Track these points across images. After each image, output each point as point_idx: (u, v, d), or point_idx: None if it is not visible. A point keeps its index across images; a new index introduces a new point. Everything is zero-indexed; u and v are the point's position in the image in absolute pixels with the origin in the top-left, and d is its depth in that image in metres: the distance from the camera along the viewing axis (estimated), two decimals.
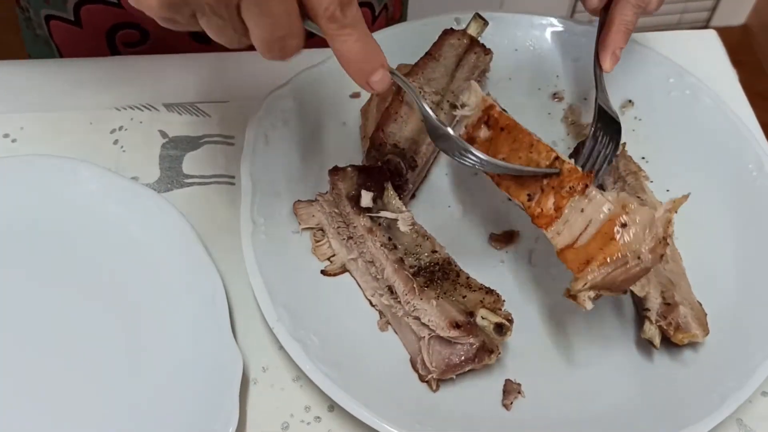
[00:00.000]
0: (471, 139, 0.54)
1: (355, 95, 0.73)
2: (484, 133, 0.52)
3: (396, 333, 0.59)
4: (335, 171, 0.62)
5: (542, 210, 0.47)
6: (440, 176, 0.69)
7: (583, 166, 0.59)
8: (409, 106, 0.65)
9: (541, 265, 0.63)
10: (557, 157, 0.50)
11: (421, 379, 0.57)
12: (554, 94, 0.74)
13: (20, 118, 0.71)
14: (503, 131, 0.52)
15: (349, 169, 0.62)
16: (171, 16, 0.44)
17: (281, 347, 0.60)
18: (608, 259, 0.46)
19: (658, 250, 0.47)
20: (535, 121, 0.73)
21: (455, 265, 0.58)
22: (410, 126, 0.64)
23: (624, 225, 0.47)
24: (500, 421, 0.55)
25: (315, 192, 0.65)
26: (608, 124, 0.62)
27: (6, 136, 0.70)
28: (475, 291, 0.56)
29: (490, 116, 0.53)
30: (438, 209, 0.66)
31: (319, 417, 0.57)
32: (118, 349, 0.58)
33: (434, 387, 0.56)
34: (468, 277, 0.57)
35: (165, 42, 0.77)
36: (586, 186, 0.48)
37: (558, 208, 0.47)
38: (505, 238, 0.64)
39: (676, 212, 0.48)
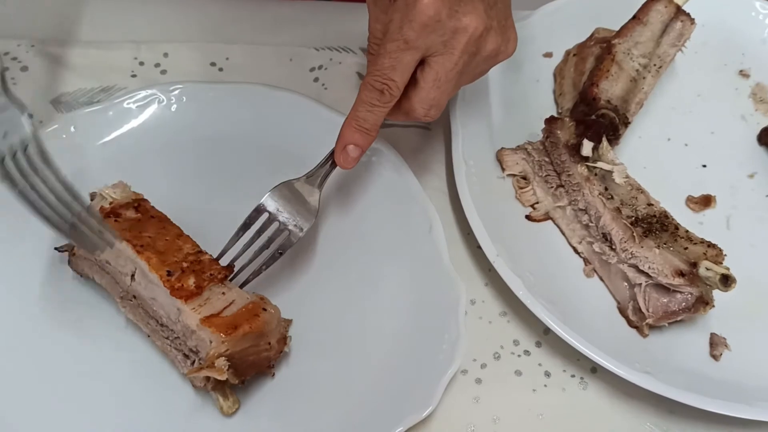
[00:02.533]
0: (115, 213, 0.57)
1: (548, 55, 0.75)
2: (131, 213, 0.57)
3: (602, 280, 0.61)
4: (554, 120, 0.64)
5: (183, 285, 0.53)
6: (633, 138, 0.71)
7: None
8: (618, 65, 0.67)
9: (739, 230, 0.66)
10: (200, 251, 0.56)
11: (630, 324, 0.59)
12: (740, 71, 0.76)
13: (225, 49, 0.74)
14: (153, 218, 0.57)
15: (567, 119, 0.64)
16: None
17: (487, 283, 0.63)
18: (252, 330, 0.52)
19: (281, 344, 0.55)
20: (720, 95, 0.75)
21: (672, 219, 0.60)
22: (620, 85, 0.66)
23: (265, 309, 0.54)
24: (710, 371, 0.57)
25: (512, 142, 0.68)
26: None
27: (213, 64, 0.74)
28: (696, 244, 0.58)
29: (141, 205, 0.58)
30: (633, 169, 0.67)
31: (528, 351, 0.60)
32: (353, 270, 0.61)
33: (645, 332, 0.58)
34: (687, 231, 0.59)
35: None
36: (226, 277, 0.55)
37: (199, 287, 0.53)
38: (702, 201, 0.66)
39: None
